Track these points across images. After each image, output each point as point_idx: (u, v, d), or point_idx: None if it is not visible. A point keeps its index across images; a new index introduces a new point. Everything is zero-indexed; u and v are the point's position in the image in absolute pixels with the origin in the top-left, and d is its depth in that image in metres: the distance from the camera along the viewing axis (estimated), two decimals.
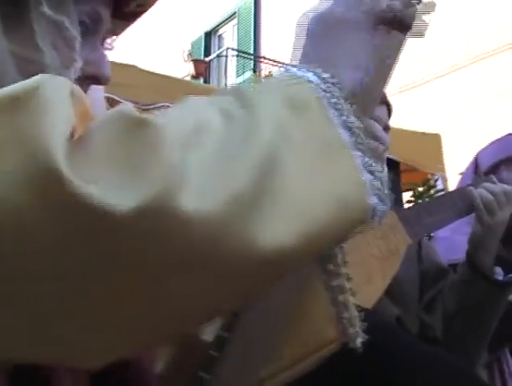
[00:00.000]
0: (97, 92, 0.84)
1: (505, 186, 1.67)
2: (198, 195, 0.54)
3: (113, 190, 0.53)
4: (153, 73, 4.08)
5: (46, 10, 0.73)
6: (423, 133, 5.43)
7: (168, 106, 0.74)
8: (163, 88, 3.66)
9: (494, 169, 1.95)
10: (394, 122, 5.75)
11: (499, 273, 1.69)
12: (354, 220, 0.65)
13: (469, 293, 1.66)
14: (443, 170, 5.36)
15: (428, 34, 0.78)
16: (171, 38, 15.69)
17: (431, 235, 2.12)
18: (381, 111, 1.68)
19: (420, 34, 0.78)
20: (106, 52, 0.82)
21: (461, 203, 1.67)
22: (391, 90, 9.88)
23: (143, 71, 4.12)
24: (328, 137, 0.65)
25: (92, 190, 0.52)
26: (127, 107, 0.57)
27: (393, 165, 5.01)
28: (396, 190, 4.88)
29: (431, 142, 5.38)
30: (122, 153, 0.55)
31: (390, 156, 4.94)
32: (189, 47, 13.93)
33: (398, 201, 4.48)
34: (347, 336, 0.87)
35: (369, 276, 1.49)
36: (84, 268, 0.55)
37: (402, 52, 0.77)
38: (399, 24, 0.76)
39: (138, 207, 0.52)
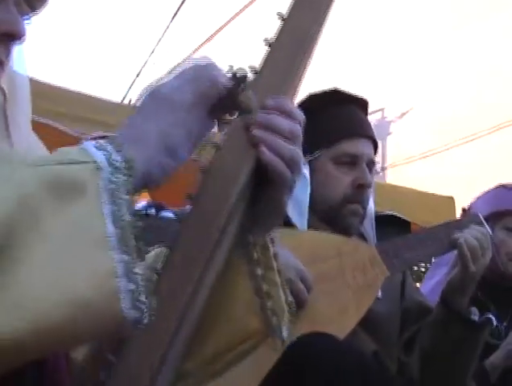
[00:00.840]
0: (22, 78, 0.86)
1: (486, 230, 1.66)
2: None
3: None
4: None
5: None
6: (437, 195, 5.39)
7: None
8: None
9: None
10: (412, 185, 5.68)
11: (474, 313, 1.65)
12: (102, 326, 0.61)
13: (445, 333, 1.62)
14: None
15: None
16: None
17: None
18: (366, 146, 1.67)
19: (249, 111, 0.81)
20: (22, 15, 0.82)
21: (445, 239, 1.63)
22: (413, 155, 9.90)
23: None
24: (92, 233, 0.61)
25: None
26: None
27: (404, 225, 4.96)
28: None
29: (445, 205, 5.31)
30: None
31: (402, 216, 4.91)
32: None
33: None
34: (270, 327, 0.85)
35: (343, 306, 1.47)
36: None
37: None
38: (238, 107, 0.79)
39: None
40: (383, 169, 9.95)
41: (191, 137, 0.76)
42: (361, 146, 1.65)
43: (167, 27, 8.71)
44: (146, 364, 0.76)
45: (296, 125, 0.83)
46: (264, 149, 0.80)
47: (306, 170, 1.64)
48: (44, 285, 0.57)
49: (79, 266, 0.59)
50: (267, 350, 1.35)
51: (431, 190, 5.95)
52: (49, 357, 0.74)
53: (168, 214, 1.80)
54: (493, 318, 1.64)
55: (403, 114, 10.32)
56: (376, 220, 1.75)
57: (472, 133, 9.46)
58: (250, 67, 0.84)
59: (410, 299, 1.72)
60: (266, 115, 0.81)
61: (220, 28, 10.39)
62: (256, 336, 0.87)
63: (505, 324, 2.10)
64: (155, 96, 0.75)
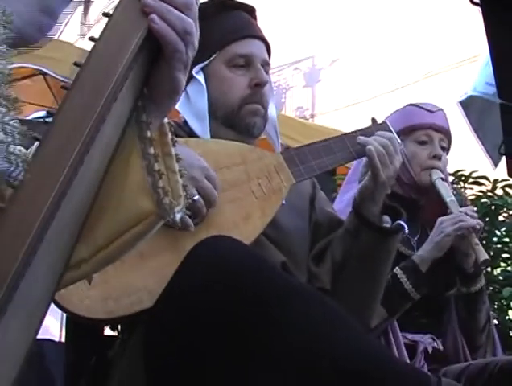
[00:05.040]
0: None
1: (392, 135, 1.66)
2: None
3: None
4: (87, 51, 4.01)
5: None
6: None
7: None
8: None
9: None
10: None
11: (386, 221, 1.65)
12: None
13: (356, 242, 1.61)
14: None
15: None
16: None
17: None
18: (258, 47, 1.66)
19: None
20: None
21: (352, 147, 1.63)
22: (342, 103, 9.98)
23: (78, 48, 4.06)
24: None
25: None
26: None
27: None
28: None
29: None
30: None
31: None
32: None
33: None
34: (161, 206, 0.82)
35: (247, 213, 1.45)
36: None
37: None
38: None
39: None
40: (312, 116, 10.00)
41: None
42: (253, 47, 1.65)
43: None
44: (16, 243, 0.71)
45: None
46: (154, 17, 0.78)
47: (201, 77, 1.62)
48: None
49: None
50: (169, 254, 1.33)
51: None
52: None
53: None
54: (405, 225, 1.64)
55: (333, 62, 10.36)
56: None
57: (398, 82, 9.57)
58: None
59: (321, 212, 1.71)
60: None
61: None
62: (148, 217, 0.83)
63: (417, 237, 2.16)
64: None
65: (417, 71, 9.31)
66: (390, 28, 9.46)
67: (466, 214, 2.03)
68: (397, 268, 1.97)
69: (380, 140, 1.62)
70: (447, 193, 2.10)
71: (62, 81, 2.81)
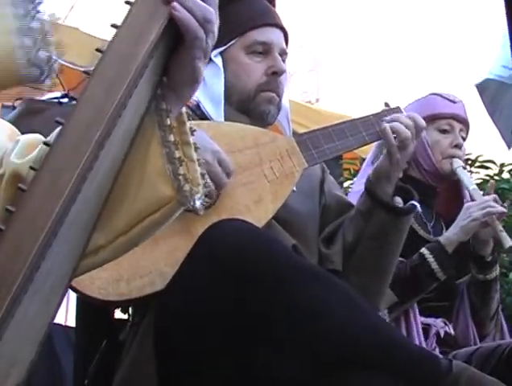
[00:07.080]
0: None
1: (414, 115, 1.64)
2: None
3: None
4: (93, 36, 4.02)
5: None
6: None
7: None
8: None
9: None
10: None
11: (398, 203, 1.65)
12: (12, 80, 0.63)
13: (368, 223, 1.61)
14: None
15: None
16: None
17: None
18: (276, 35, 1.66)
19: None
20: None
21: (364, 132, 1.63)
22: (346, 87, 9.95)
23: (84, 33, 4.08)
24: None
25: None
26: None
27: None
28: None
29: None
30: None
31: None
32: None
33: None
34: (182, 193, 0.83)
35: (259, 196, 1.46)
36: None
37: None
38: None
39: None
40: (317, 100, 10.00)
41: None
42: (273, 35, 1.65)
43: None
44: (37, 224, 0.72)
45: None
46: (175, 5, 0.80)
47: (219, 61, 1.63)
48: None
49: None
50: (181, 237, 1.34)
51: None
52: None
53: None
54: (418, 205, 1.64)
55: (338, 46, 10.34)
56: None
57: (404, 67, 9.55)
58: None
59: (330, 196, 1.71)
60: None
61: None
62: (168, 204, 0.85)
63: (432, 223, 2.18)
64: None
65: (421, 58, 9.29)
66: (397, 12, 9.43)
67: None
68: (423, 248, 1.99)
69: (402, 120, 1.61)
70: (469, 181, 2.15)
71: (68, 67, 2.80)
